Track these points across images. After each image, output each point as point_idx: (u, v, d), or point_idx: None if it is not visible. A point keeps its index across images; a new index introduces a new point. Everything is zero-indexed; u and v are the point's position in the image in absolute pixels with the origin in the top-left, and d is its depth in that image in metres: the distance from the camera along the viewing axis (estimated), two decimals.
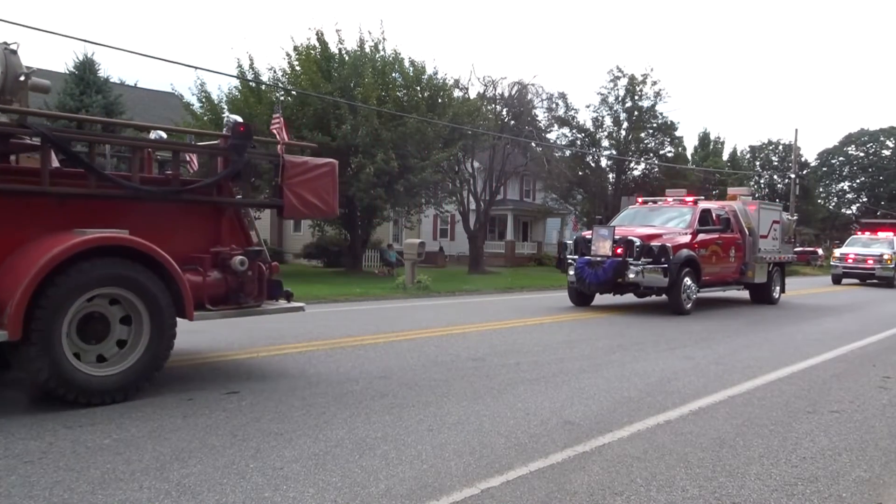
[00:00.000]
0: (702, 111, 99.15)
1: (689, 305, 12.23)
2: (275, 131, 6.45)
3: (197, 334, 8.30)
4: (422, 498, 3.27)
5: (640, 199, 15.31)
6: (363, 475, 3.54)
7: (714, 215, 13.65)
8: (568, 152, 37.90)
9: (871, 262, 25.36)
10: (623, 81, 39.15)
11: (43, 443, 3.93)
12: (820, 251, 43.80)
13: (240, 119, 6.13)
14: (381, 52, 23.41)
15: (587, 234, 13.23)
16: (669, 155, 41.49)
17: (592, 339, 8.87)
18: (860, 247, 26.82)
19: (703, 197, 13.89)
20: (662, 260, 11.78)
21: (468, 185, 30.03)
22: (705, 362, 7.26)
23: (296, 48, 22.76)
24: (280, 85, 23.09)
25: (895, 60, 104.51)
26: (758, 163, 60.26)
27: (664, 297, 12.50)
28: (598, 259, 12.05)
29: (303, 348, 7.53)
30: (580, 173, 36.36)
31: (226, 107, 23.00)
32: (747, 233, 14.52)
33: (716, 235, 13.42)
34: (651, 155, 40.85)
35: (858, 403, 5.55)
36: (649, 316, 11.91)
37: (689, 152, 49.67)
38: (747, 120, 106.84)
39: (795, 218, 17.83)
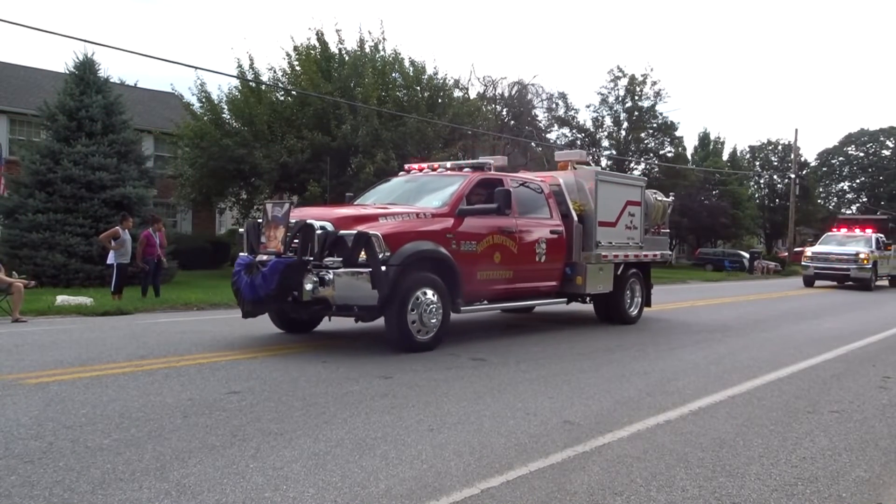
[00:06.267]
0: (702, 111, 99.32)
1: (428, 336, 7.38)
2: None
3: (197, 334, 8.31)
4: (422, 498, 3.27)
5: (408, 166, 10.11)
6: (363, 475, 3.54)
7: (506, 190, 8.32)
8: None
9: (845, 261, 22.44)
10: (623, 81, 39.28)
11: (43, 443, 3.93)
12: None
13: None
14: (381, 52, 23.42)
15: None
16: (669, 155, 41.59)
17: (592, 339, 8.86)
18: (835, 245, 23.63)
19: (489, 162, 9.33)
20: (365, 258, 6.94)
21: None
22: (705, 362, 7.26)
23: (296, 48, 22.76)
24: (280, 85, 23.09)
25: (895, 60, 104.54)
26: (758, 163, 60.35)
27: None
28: (264, 259, 7.21)
29: (303, 348, 7.53)
30: None
31: (226, 107, 23.03)
32: (575, 218, 9.75)
33: (502, 220, 8.44)
34: (651, 155, 40.92)
35: (858, 403, 5.55)
36: (649, 317, 11.90)
37: (689, 152, 49.76)
38: (747, 120, 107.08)
39: (671, 199, 12.53)
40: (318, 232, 7.07)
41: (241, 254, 8.00)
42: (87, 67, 18.54)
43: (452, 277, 7.70)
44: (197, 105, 23.25)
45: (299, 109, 21.84)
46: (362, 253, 6.94)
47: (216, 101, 22.93)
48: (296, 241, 7.16)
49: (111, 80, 20.23)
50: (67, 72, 18.84)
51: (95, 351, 7.05)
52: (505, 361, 6.93)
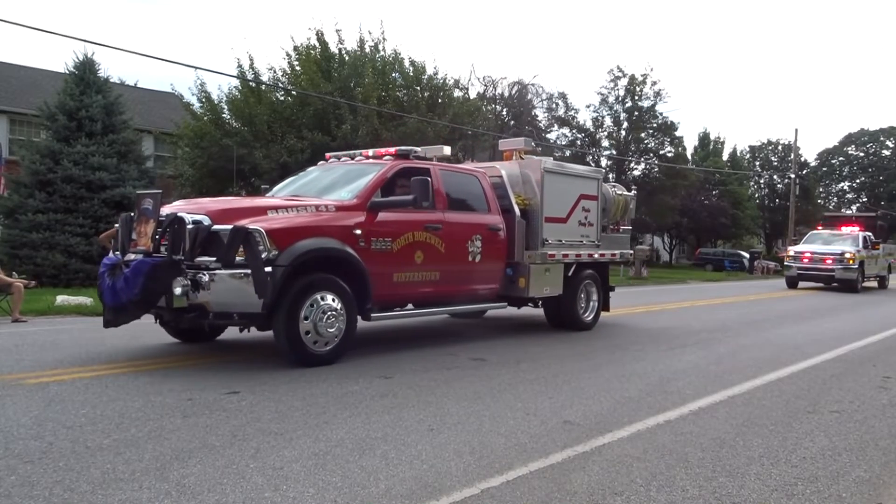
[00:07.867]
0: (702, 111, 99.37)
1: (326, 347, 6.42)
2: None
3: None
4: (422, 498, 3.27)
5: (328, 155, 8.99)
6: (363, 475, 3.54)
7: (423, 179, 7.20)
8: (568, 152, 37.98)
9: (830, 261, 21.22)
10: (623, 81, 39.28)
11: (43, 443, 3.93)
12: None
13: None
14: (381, 52, 23.41)
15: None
16: (669, 155, 41.59)
17: (592, 339, 8.86)
18: (820, 244, 22.52)
19: (416, 149, 8.19)
20: (245, 258, 5.99)
21: None
22: (705, 362, 7.26)
23: (296, 48, 22.76)
24: (280, 85, 23.08)
25: (895, 60, 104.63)
26: (758, 163, 60.37)
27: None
28: (131, 259, 6.41)
29: None
30: None
31: (226, 107, 23.03)
32: (518, 213, 8.81)
33: (426, 214, 7.52)
34: (651, 155, 40.93)
35: (858, 403, 5.55)
36: (648, 317, 11.90)
37: (689, 152, 49.81)
38: (747, 120, 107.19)
39: (633, 194, 11.58)
40: (190, 227, 6.09)
41: (112, 253, 6.93)
42: (87, 67, 18.52)
43: (359, 280, 6.71)
44: (197, 105, 23.26)
45: (299, 109, 21.83)
46: (241, 251, 6.00)
47: (216, 101, 22.94)
48: (167, 238, 6.21)
49: (111, 80, 20.21)
50: (67, 72, 18.82)
51: (95, 351, 7.05)
52: (505, 361, 6.93)
